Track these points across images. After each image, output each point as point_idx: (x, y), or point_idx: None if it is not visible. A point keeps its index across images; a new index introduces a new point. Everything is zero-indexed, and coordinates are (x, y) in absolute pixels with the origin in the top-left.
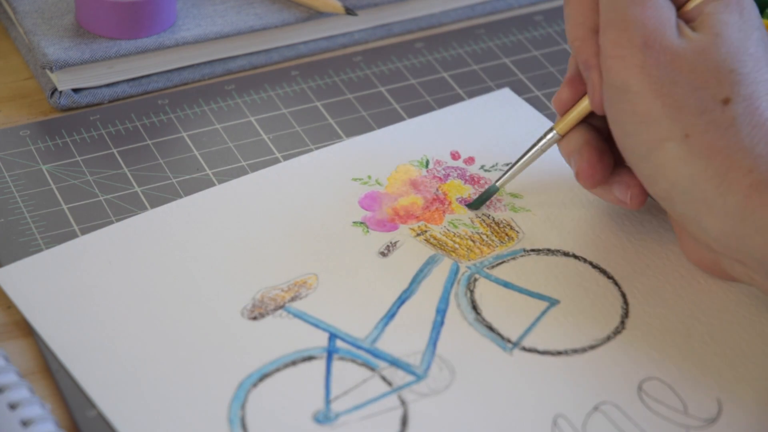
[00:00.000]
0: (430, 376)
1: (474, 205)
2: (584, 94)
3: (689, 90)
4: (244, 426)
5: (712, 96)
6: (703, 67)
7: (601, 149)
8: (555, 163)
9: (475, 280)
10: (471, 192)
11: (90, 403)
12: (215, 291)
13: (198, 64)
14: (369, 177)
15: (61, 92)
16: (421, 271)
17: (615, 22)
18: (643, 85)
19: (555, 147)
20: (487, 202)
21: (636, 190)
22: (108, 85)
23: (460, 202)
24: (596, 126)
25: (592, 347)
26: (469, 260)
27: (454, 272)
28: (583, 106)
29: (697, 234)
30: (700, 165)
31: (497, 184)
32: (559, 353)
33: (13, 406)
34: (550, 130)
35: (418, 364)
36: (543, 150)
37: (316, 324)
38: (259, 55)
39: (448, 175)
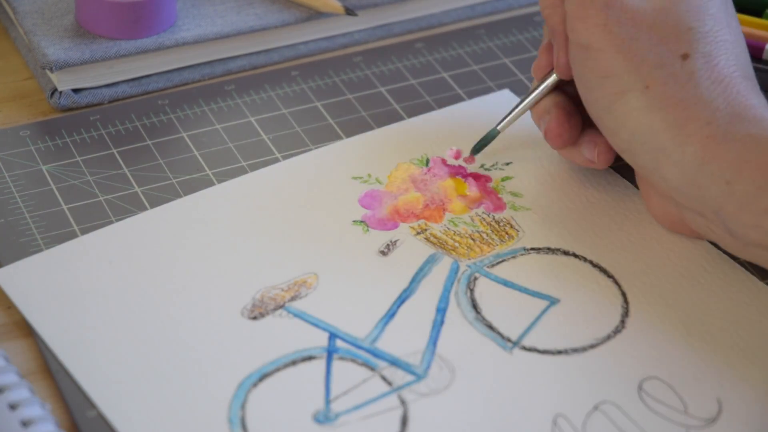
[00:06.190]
0: (430, 375)
1: (475, 149)
2: None
3: (649, 45)
4: (244, 426)
5: (671, 51)
6: (662, 23)
7: (570, 111)
8: (556, 162)
9: (475, 278)
10: (470, 189)
11: (90, 403)
12: (215, 291)
13: (198, 65)
14: (369, 175)
15: (61, 92)
16: (421, 270)
17: None
18: (605, 41)
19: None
20: (487, 202)
21: (603, 147)
22: (108, 86)
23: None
24: (567, 92)
25: (593, 346)
26: (469, 259)
27: (454, 271)
28: None
29: (659, 184)
30: (659, 115)
31: (498, 127)
32: (559, 352)
33: (13, 407)
34: (549, 73)
35: (418, 363)
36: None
37: (316, 324)
38: (259, 55)
39: (448, 173)
